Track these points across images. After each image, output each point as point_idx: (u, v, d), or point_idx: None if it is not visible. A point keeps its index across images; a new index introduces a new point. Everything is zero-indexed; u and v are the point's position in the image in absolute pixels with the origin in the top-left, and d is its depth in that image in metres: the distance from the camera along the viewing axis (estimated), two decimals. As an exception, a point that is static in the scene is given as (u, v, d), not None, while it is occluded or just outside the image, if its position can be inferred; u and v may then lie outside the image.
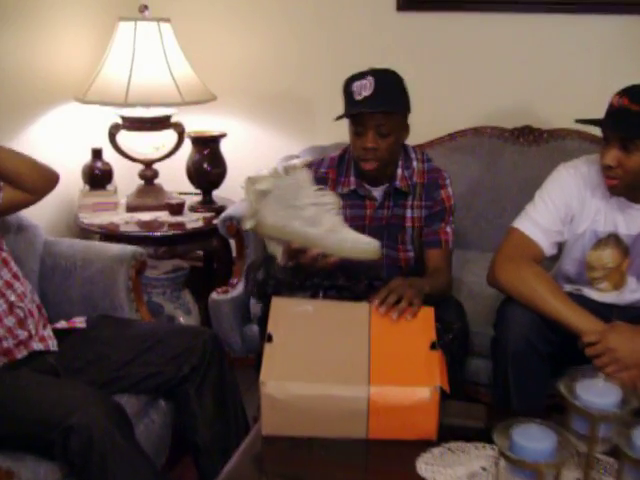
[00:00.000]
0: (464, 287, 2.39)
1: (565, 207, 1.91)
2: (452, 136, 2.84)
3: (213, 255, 2.84)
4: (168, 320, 2.86)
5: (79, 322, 1.99)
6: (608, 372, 1.67)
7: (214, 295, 2.44)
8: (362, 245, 1.73)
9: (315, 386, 1.55)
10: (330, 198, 1.77)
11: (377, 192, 2.09)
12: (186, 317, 2.87)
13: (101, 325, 1.97)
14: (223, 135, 2.81)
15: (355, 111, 1.91)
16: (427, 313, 1.69)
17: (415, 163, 2.10)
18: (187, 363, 1.87)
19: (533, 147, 2.76)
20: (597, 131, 2.64)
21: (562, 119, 2.74)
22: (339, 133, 2.87)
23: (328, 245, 1.74)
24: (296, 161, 2.71)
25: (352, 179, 2.08)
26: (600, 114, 2.72)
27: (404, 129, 2.01)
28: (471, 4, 2.84)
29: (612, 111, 1.77)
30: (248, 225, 1.83)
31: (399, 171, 2.06)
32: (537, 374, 1.84)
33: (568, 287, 2.02)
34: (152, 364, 1.88)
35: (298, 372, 1.58)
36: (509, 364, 1.82)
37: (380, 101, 1.90)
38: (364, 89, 1.89)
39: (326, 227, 1.73)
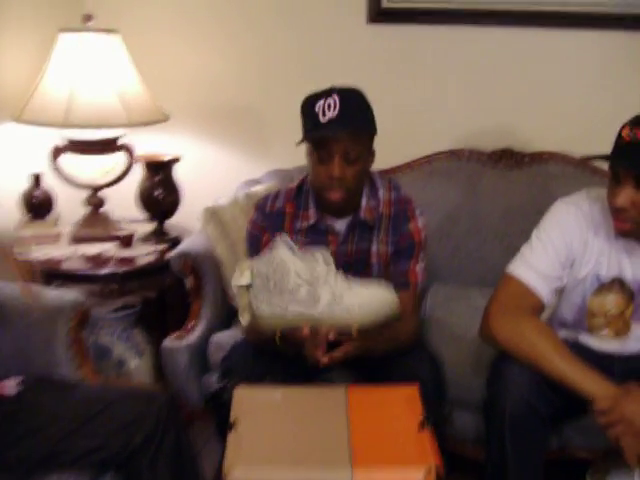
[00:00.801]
0: (445, 329, 2.17)
1: (566, 250, 1.71)
2: (427, 159, 2.64)
3: (167, 293, 2.57)
4: (118, 364, 2.58)
5: (10, 386, 1.71)
6: (623, 445, 1.46)
7: (167, 342, 2.18)
8: (373, 304, 1.53)
9: (290, 469, 1.32)
10: (321, 266, 1.56)
11: (340, 225, 1.88)
12: (137, 360, 2.59)
13: (36, 391, 1.70)
14: (177, 159, 2.55)
15: (320, 135, 1.69)
16: (411, 392, 1.50)
17: (382, 192, 1.89)
18: (139, 433, 1.61)
19: (514, 171, 2.57)
20: (582, 154, 2.50)
21: (545, 141, 2.61)
22: (304, 156, 2.68)
23: (338, 319, 1.53)
24: (259, 187, 2.49)
25: (312, 212, 1.87)
26: (586, 137, 2.61)
27: (371, 154, 1.81)
28: (447, 16, 2.63)
29: (623, 145, 1.56)
30: (244, 321, 1.61)
31: (364, 201, 1.86)
32: (537, 438, 1.64)
33: (563, 333, 1.83)
34: (97, 435, 1.61)
35: (269, 455, 1.35)
36: (506, 429, 1.61)
37: (348, 123, 1.69)
38: (328, 109, 1.68)
39: (325, 301, 1.52)
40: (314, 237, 1.86)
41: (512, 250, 2.42)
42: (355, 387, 1.52)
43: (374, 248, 1.88)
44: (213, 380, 2.09)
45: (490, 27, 2.61)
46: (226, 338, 2.15)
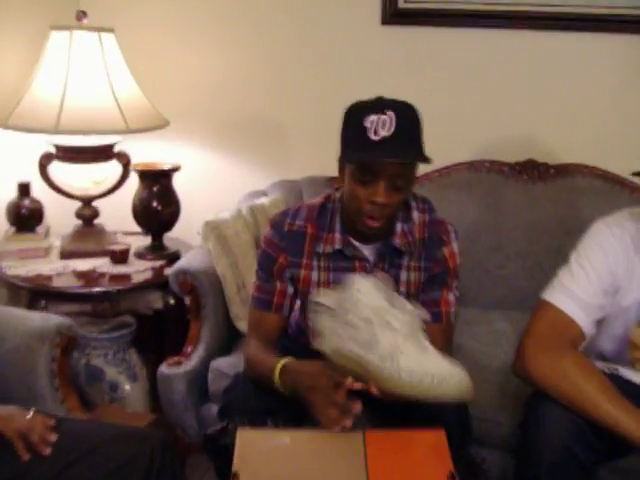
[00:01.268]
0: (467, 357, 1.98)
1: (610, 276, 1.53)
2: (444, 171, 2.46)
3: (164, 313, 2.38)
4: (110, 388, 2.40)
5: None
6: None
7: (164, 368, 2.00)
8: (451, 383, 1.29)
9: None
10: (407, 317, 1.36)
11: (368, 251, 1.69)
12: (132, 384, 2.42)
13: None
14: (176, 168, 2.37)
15: (371, 156, 1.48)
16: (437, 438, 1.30)
17: (415, 214, 1.69)
18: (131, 477, 1.43)
19: (538, 184, 2.39)
20: (612, 167, 2.34)
21: (571, 152, 2.43)
22: (313, 166, 2.51)
23: (383, 377, 1.32)
24: (264, 200, 2.31)
25: (337, 236, 1.67)
26: (615, 147, 2.46)
27: (415, 180, 1.61)
28: (467, 18, 2.45)
29: None
30: (322, 346, 1.42)
31: (398, 226, 1.66)
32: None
33: (600, 365, 1.64)
34: (84, 480, 1.43)
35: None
36: (543, 478, 1.41)
37: (403, 146, 1.48)
38: (383, 127, 1.46)
39: (382, 351, 1.31)
40: (338, 263, 1.68)
41: (536, 270, 2.32)
42: (373, 432, 1.33)
43: (404, 276, 1.69)
44: (212, 412, 1.91)
45: (511, 30, 2.44)
46: (227, 364, 1.98)
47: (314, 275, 1.68)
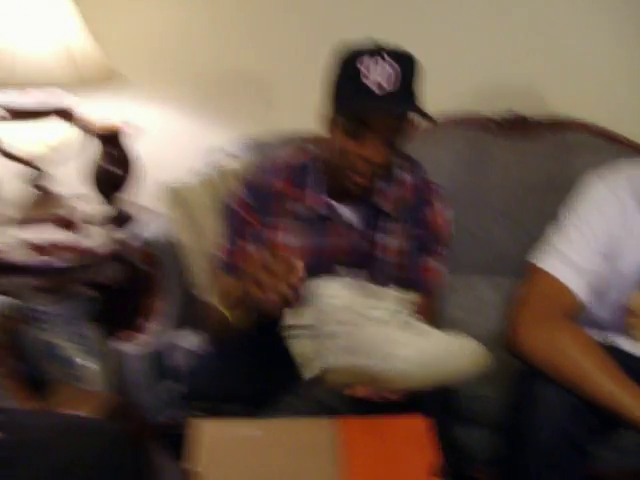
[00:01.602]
0: (448, 327, 1.80)
1: (607, 237, 1.39)
2: (423, 127, 2.26)
3: (125, 284, 2.21)
4: (67, 365, 2.24)
5: None
6: None
7: (120, 345, 1.85)
8: (437, 363, 1.16)
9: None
10: (391, 304, 1.22)
11: (350, 214, 1.54)
12: (91, 361, 2.25)
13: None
14: (135, 128, 2.18)
15: (376, 109, 1.34)
16: (417, 425, 1.17)
17: (402, 174, 1.55)
18: (80, 478, 1.27)
19: (527, 142, 2.24)
20: (608, 123, 2.18)
21: (562, 106, 2.27)
22: (287, 124, 2.33)
23: (387, 377, 1.16)
24: (232, 161, 2.13)
25: (317, 196, 1.53)
26: (609, 101, 2.30)
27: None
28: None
29: None
30: (308, 375, 1.25)
31: (382, 185, 1.51)
32: (574, 470, 1.31)
33: (595, 334, 1.50)
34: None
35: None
36: (539, 462, 1.28)
37: (406, 99, 1.35)
38: (388, 81, 1.32)
39: (375, 350, 1.16)
40: (318, 226, 1.54)
41: (523, 232, 2.16)
42: (347, 420, 1.18)
43: (388, 241, 1.55)
44: (172, 390, 1.75)
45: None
46: (187, 339, 1.82)
47: (290, 239, 1.53)
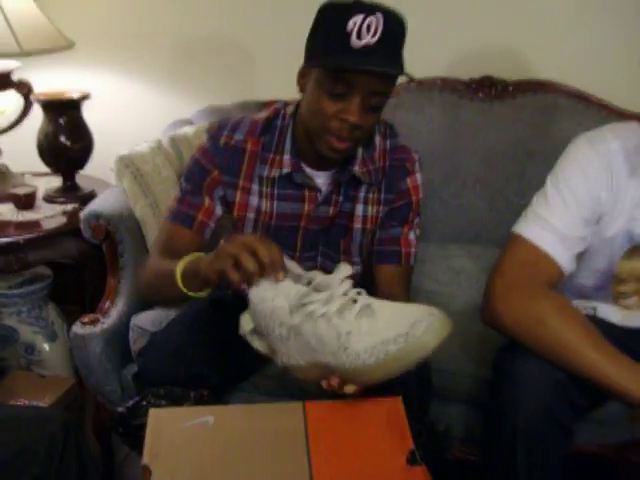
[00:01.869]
0: (423, 299, 1.75)
1: (592, 202, 1.31)
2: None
3: (83, 262, 2.10)
4: (26, 350, 2.14)
5: None
6: None
7: (77, 328, 1.73)
8: (396, 345, 1.01)
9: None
10: (328, 290, 1.07)
11: (321, 179, 1.43)
12: (51, 344, 2.16)
13: None
14: (86, 96, 2.05)
15: (354, 62, 1.22)
16: (393, 406, 1.08)
17: (377, 139, 1.45)
18: (24, 475, 1.19)
19: (496, 104, 2.14)
20: (580, 84, 2.09)
21: (531, 68, 2.17)
22: (247, 89, 2.22)
23: (350, 372, 1.05)
24: (188, 129, 2.02)
25: (287, 158, 1.41)
26: (581, 62, 2.21)
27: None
28: None
29: None
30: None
31: (359, 151, 1.41)
32: (556, 450, 1.25)
33: (577, 303, 1.44)
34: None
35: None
36: (518, 442, 1.21)
37: (388, 56, 1.23)
38: (368, 31, 1.20)
39: (328, 345, 1.04)
40: (285, 191, 1.43)
41: (496, 198, 2.08)
42: (315, 403, 1.09)
43: (359, 210, 1.46)
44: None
45: None
46: (151, 320, 1.71)
47: (253, 200, 1.43)
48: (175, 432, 1.03)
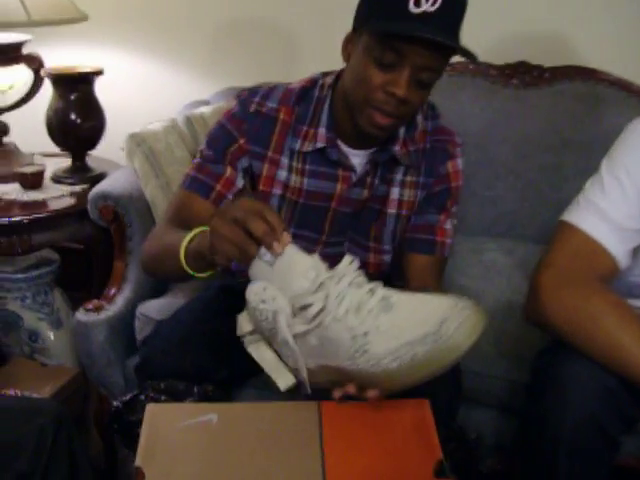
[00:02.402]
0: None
1: None
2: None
3: (91, 246, 2.00)
4: (30, 337, 2.04)
5: None
6: None
7: (80, 315, 1.63)
8: (424, 346, 0.87)
9: None
10: (341, 283, 0.92)
11: (357, 159, 1.32)
12: (56, 332, 2.06)
13: None
14: (99, 72, 1.95)
15: (409, 29, 1.10)
16: (419, 410, 0.95)
17: (420, 119, 1.34)
18: (7, 471, 1.09)
19: (531, 91, 2.01)
20: (621, 71, 1.97)
21: (569, 54, 2.05)
22: (268, 71, 2.11)
23: (368, 378, 0.91)
24: (205, 109, 1.91)
25: (322, 131, 1.29)
26: (621, 47, 2.08)
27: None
28: None
29: None
30: (283, 384, 0.99)
31: (401, 131, 1.30)
32: (601, 464, 1.12)
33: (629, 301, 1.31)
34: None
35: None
36: (561, 454, 1.09)
37: (447, 28, 1.12)
38: (430, 1, 1.09)
39: (342, 349, 0.90)
40: (317, 167, 1.32)
41: (529, 190, 1.95)
42: (332, 404, 0.98)
43: (395, 194, 1.35)
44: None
45: None
46: (158, 309, 1.61)
47: (281, 174, 1.32)
48: (174, 431, 0.92)
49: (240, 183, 1.33)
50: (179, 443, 0.90)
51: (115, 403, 1.07)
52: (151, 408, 0.95)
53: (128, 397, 1.08)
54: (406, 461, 0.89)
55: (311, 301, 0.88)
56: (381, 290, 0.92)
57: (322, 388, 0.95)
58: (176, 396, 1.07)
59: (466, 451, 1.01)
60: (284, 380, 0.95)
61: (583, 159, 1.86)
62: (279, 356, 0.96)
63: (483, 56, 2.01)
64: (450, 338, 0.86)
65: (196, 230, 1.07)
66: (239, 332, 0.98)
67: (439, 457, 0.87)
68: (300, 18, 2.11)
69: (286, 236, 0.90)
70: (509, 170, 1.97)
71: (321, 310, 0.88)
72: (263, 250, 0.90)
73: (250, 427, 0.94)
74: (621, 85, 1.95)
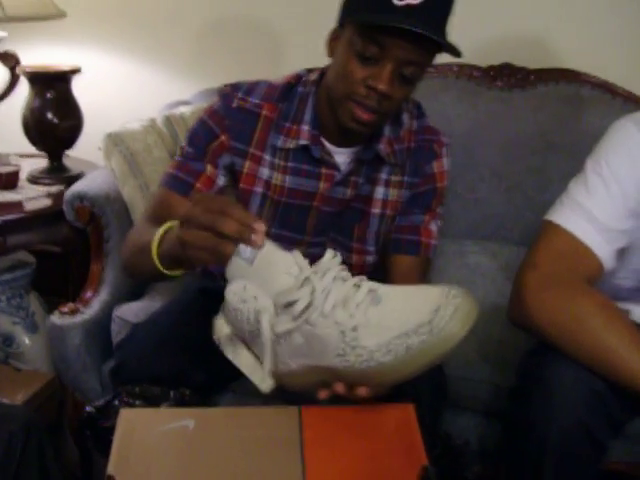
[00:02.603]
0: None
1: (638, 191, 1.15)
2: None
3: (67, 248, 1.96)
4: (4, 342, 1.99)
5: None
6: None
7: (55, 318, 1.58)
8: (416, 338, 0.82)
9: None
10: (325, 278, 0.87)
11: (341, 157, 1.29)
12: (31, 336, 2.01)
13: None
14: (76, 70, 1.91)
15: (392, 21, 1.07)
16: (404, 412, 0.92)
17: (405, 117, 1.31)
18: None
19: (516, 93, 2.00)
20: (605, 74, 1.96)
21: (554, 56, 2.03)
22: (252, 71, 2.07)
23: (359, 374, 0.86)
24: (184, 108, 1.88)
25: (305, 128, 1.26)
26: (606, 50, 2.07)
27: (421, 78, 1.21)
28: None
29: None
30: (265, 388, 0.94)
31: (386, 129, 1.28)
32: (587, 471, 1.09)
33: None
34: None
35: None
36: (547, 460, 1.06)
37: (430, 21, 1.09)
38: None
39: (328, 345, 0.85)
40: (300, 165, 1.29)
41: (514, 192, 1.93)
42: (312, 409, 0.94)
43: (379, 194, 1.33)
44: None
45: None
46: (136, 312, 1.57)
47: (263, 172, 1.29)
48: (148, 437, 0.88)
49: (221, 181, 1.29)
50: (153, 450, 0.86)
51: (88, 408, 1.03)
52: (125, 413, 0.91)
53: (101, 402, 1.04)
54: (390, 467, 0.86)
55: (297, 297, 0.84)
56: (367, 283, 0.88)
57: (302, 392, 0.92)
58: (151, 401, 1.03)
59: (452, 457, 0.97)
60: (264, 382, 0.92)
61: (568, 161, 1.84)
62: (259, 358, 0.92)
63: (467, 57, 2.00)
64: (445, 327, 0.82)
65: (165, 226, 1.02)
66: (216, 335, 0.94)
67: (424, 463, 0.83)
68: (284, 16, 2.08)
69: (259, 226, 0.85)
70: (493, 172, 1.96)
71: (307, 306, 0.84)
72: (242, 247, 0.86)
73: (228, 433, 0.90)
74: (605, 88, 1.95)
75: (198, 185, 1.26)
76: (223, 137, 1.27)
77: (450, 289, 0.84)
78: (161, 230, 1.02)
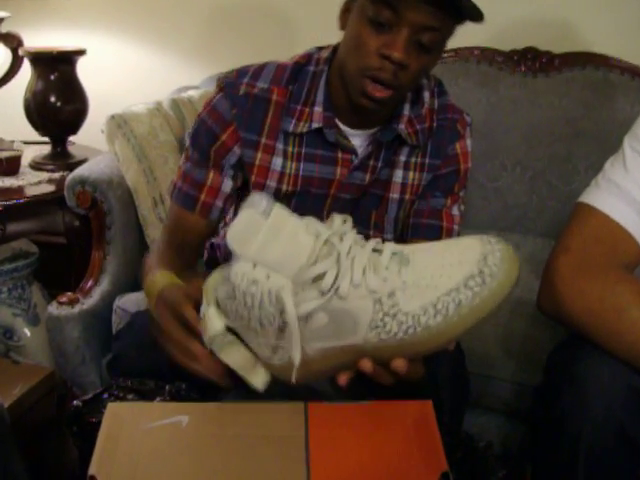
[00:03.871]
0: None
1: None
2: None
3: (70, 237, 1.89)
4: (5, 334, 1.93)
5: None
6: None
7: (53, 309, 1.51)
8: (466, 292, 0.74)
9: None
10: (346, 240, 0.79)
11: (358, 139, 1.19)
12: (33, 329, 1.94)
13: None
14: (81, 52, 1.84)
15: None
16: (422, 410, 0.83)
17: (426, 95, 1.21)
18: None
19: (540, 78, 1.92)
20: (634, 58, 1.86)
21: (581, 40, 1.95)
22: (263, 56, 1.99)
23: (399, 345, 0.77)
24: (192, 92, 1.80)
25: (317, 110, 1.16)
26: (635, 33, 1.98)
27: (443, 50, 1.11)
28: None
29: None
30: (261, 385, 0.85)
31: (406, 107, 1.18)
32: (624, 475, 0.99)
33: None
34: None
35: None
36: (580, 464, 0.96)
37: None
38: None
39: (361, 318, 0.76)
40: (314, 150, 1.19)
41: (538, 182, 1.85)
42: (319, 405, 0.86)
43: (398, 177, 1.23)
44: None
45: None
46: (137, 302, 1.50)
47: (276, 163, 1.19)
48: (136, 434, 0.80)
49: (228, 187, 1.20)
50: (142, 448, 0.78)
51: (75, 402, 0.95)
52: (112, 408, 0.83)
53: (90, 395, 0.95)
54: (404, 472, 0.77)
55: (323, 269, 0.75)
56: (388, 244, 0.79)
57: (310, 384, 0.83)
58: (145, 395, 0.95)
59: (475, 462, 0.88)
60: (260, 378, 0.83)
61: (595, 149, 1.78)
62: (255, 354, 0.83)
63: (489, 41, 1.94)
64: (498, 274, 0.74)
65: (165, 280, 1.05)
66: (210, 333, 0.84)
67: (444, 468, 0.74)
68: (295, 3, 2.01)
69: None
70: (516, 161, 1.89)
71: (336, 277, 0.75)
72: (257, 197, 0.77)
73: (225, 430, 0.82)
74: (634, 72, 1.87)
75: (202, 197, 1.18)
76: (226, 136, 1.17)
77: (487, 236, 0.77)
78: (155, 292, 1.03)
